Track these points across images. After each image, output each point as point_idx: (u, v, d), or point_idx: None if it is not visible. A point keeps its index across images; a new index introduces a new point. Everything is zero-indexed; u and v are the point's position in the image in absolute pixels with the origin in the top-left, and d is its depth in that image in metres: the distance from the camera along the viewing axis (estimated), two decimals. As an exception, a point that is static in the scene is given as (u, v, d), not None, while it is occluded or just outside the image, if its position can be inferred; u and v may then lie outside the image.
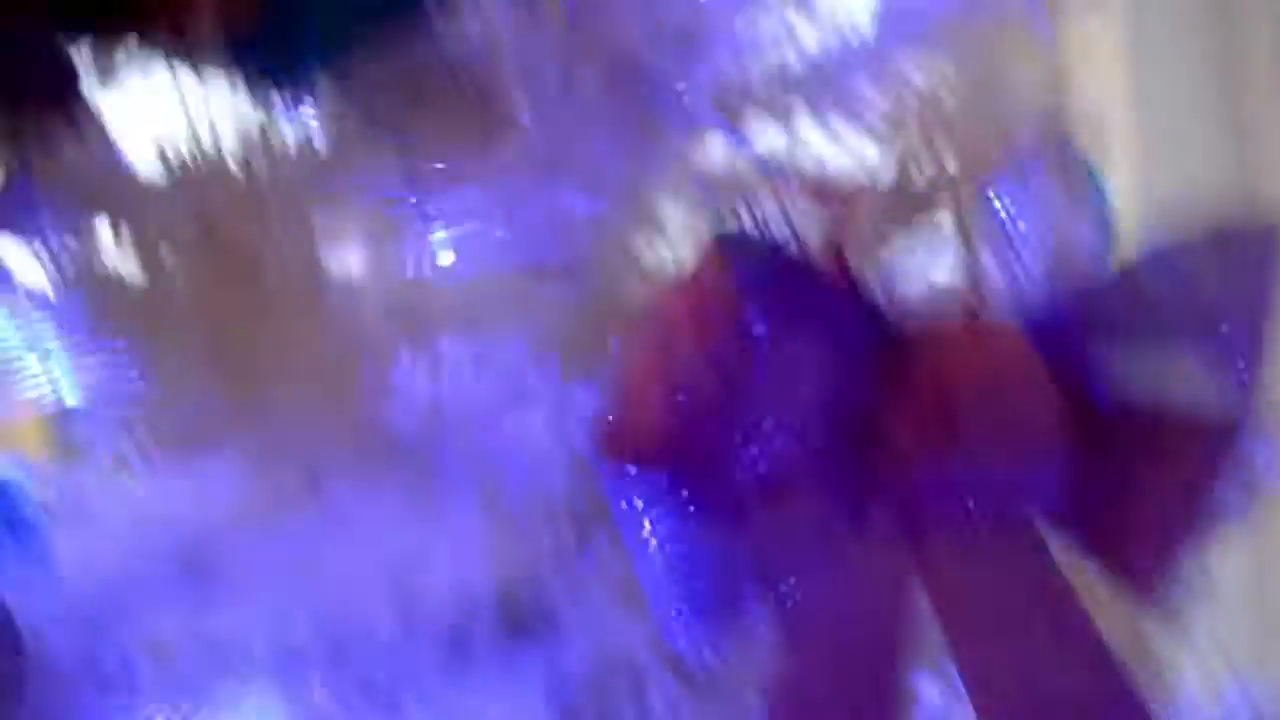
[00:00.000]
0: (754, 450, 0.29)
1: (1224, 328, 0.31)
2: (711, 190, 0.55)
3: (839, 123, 0.54)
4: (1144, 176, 1.53)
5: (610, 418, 0.31)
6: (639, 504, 0.31)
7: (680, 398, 0.29)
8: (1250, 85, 1.59)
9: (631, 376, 0.31)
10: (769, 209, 0.37)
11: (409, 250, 0.43)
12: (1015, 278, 0.37)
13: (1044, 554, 0.32)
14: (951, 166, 0.37)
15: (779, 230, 0.34)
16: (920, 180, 0.37)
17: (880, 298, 0.32)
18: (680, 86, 0.47)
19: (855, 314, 0.31)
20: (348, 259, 0.38)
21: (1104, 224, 0.48)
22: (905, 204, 0.37)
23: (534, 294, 0.47)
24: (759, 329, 0.28)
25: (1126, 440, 0.32)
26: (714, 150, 0.53)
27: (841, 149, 0.56)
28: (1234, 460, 0.32)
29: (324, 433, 0.34)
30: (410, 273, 0.43)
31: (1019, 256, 0.38)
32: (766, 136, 0.55)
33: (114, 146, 0.42)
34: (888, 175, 0.38)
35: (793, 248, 0.33)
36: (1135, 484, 0.32)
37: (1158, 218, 0.36)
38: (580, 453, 0.38)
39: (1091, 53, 1.66)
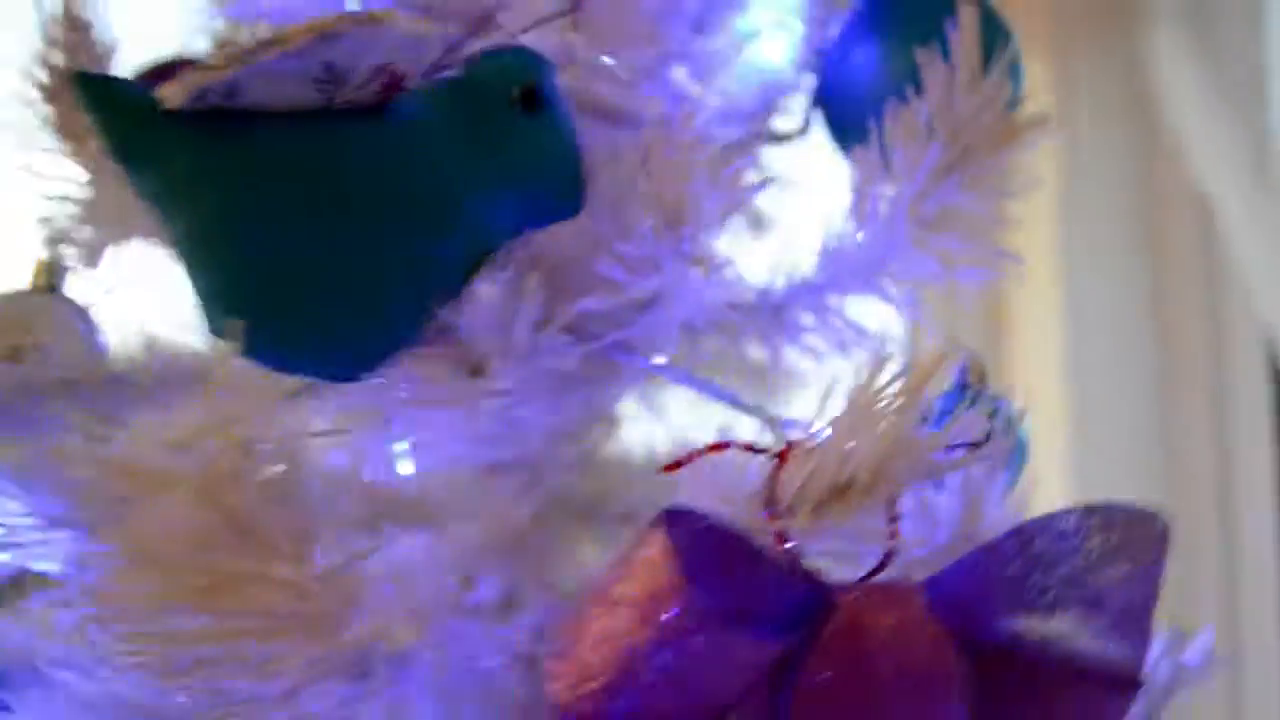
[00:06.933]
0: (685, 700, 0.32)
1: (1110, 594, 0.35)
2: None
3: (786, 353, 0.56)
4: (1074, 448, 1.61)
5: (561, 682, 0.33)
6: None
7: (626, 668, 0.32)
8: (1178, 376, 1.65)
9: (581, 647, 0.33)
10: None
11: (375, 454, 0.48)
12: (932, 535, 0.42)
13: None
14: (882, 448, 0.36)
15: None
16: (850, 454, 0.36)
17: (807, 564, 0.36)
18: (637, 340, 0.50)
19: (786, 582, 0.34)
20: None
21: (1017, 469, 0.51)
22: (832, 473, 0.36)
23: (487, 490, 0.51)
24: (701, 601, 0.31)
25: (1019, 692, 0.36)
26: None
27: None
28: (1120, 709, 0.36)
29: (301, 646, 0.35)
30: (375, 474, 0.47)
31: (935, 527, 0.42)
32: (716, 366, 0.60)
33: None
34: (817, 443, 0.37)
35: (729, 515, 0.36)
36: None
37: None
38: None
39: (1024, 301, 1.69)
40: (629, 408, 0.66)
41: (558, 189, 0.46)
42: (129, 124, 0.40)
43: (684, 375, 0.56)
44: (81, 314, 0.58)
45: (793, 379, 0.63)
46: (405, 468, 0.49)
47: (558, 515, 0.58)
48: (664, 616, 0.31)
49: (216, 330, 0.40)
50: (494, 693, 0.44)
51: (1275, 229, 1.51)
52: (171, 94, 0.39)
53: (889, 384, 0.36)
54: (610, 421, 0.65)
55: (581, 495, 0.61)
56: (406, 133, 0.42)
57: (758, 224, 0.71)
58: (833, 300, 0.60)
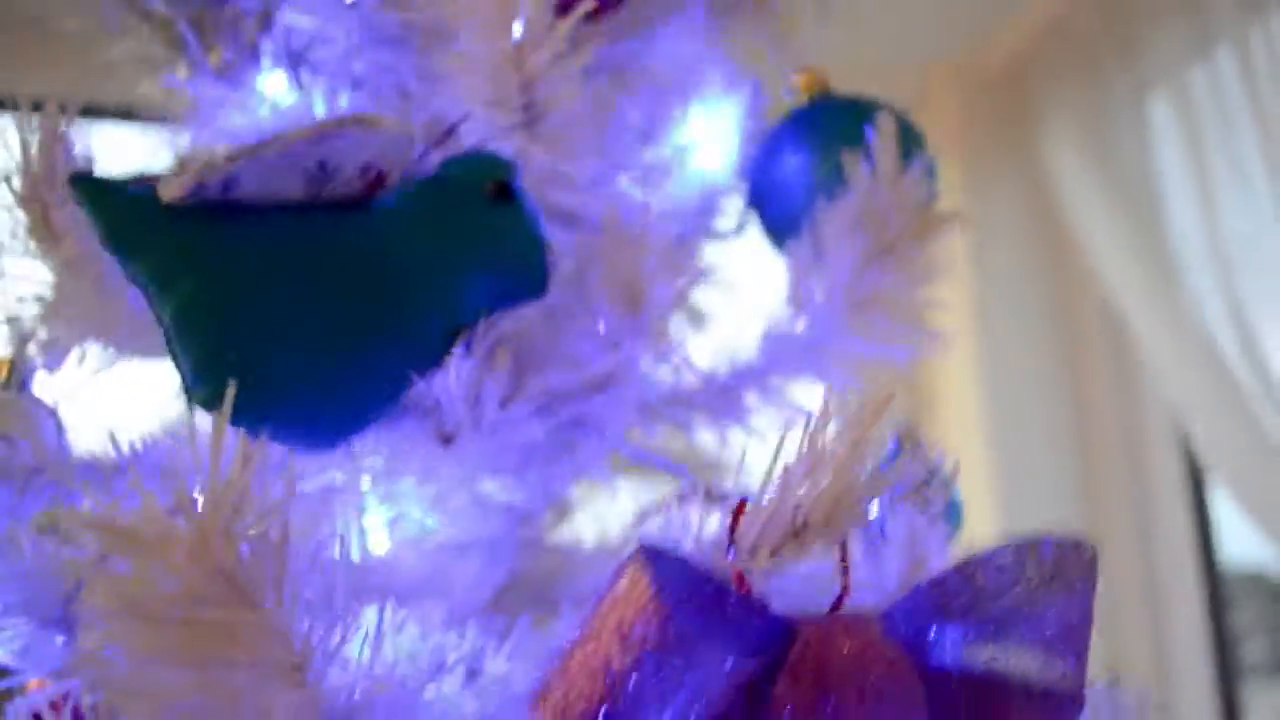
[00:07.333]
0: None
1: (1049, 618, 0.38)
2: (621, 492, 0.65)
3: (733, 432, 0.60)
4: (997, 503, 1.66)
5: (549, 702, 0.35)
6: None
7: (610, 695, 0.33)
8: (1092, 431, 1.72)
9: (564, 680, 0.35)
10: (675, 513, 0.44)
11: (349, 531, 0.50)
12: (881, 578, 0.45)
13: None
14: (831, 494, 0.39)
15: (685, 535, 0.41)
16: (802, 500, 0.39)
17: (767, 598, 0.38)
18: (596, 417, 0.54)
19: (752, 613, 0.37)
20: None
21: (954, 527, 0.55)
22: (787, 518, 0.39)
23: (452, 569, 0.54)
24: (676, 625, 0.33)
25: (973, 709, 0.38)
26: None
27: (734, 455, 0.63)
28: None
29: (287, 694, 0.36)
30: (349, 551, 0.49)
31: (883, 574, 0.46)
32: (671, 444, 0.63)
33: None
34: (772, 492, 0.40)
35: (696, 553, 0.40)
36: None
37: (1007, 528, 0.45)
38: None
39: (948, 387, 1.75)
40: (582, 493, 0.68)
41: (525, 273, 0.49)
42: (123, 215, 0.43)
43: (638, 451, 0.59)
44: (47, 409, 0.59)
45: (737, 459, 0.66)
46: (378, 542, 0.50)
47: (513, 597, 0.60)
48: (644, 642, 0.33)
49: (203, 405, 0.42)
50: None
51: (1173, 313, 1.61)
52: (171, 186, 0.42)
53: (836, 432, 0.40)
54: (564, 507, 0.67)
55: (536, 578, 0.63)
56: (389, 222, 0.46)
57: (698, 320, 0.76)
58: (775, 381, 0.64)
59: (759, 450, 0.65)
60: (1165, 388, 1.65)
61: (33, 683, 0.56)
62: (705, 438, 0.65)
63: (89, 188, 0.44)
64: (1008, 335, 1.80)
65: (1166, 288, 1.62)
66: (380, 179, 0.46)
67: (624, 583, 0.34)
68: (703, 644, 0.33)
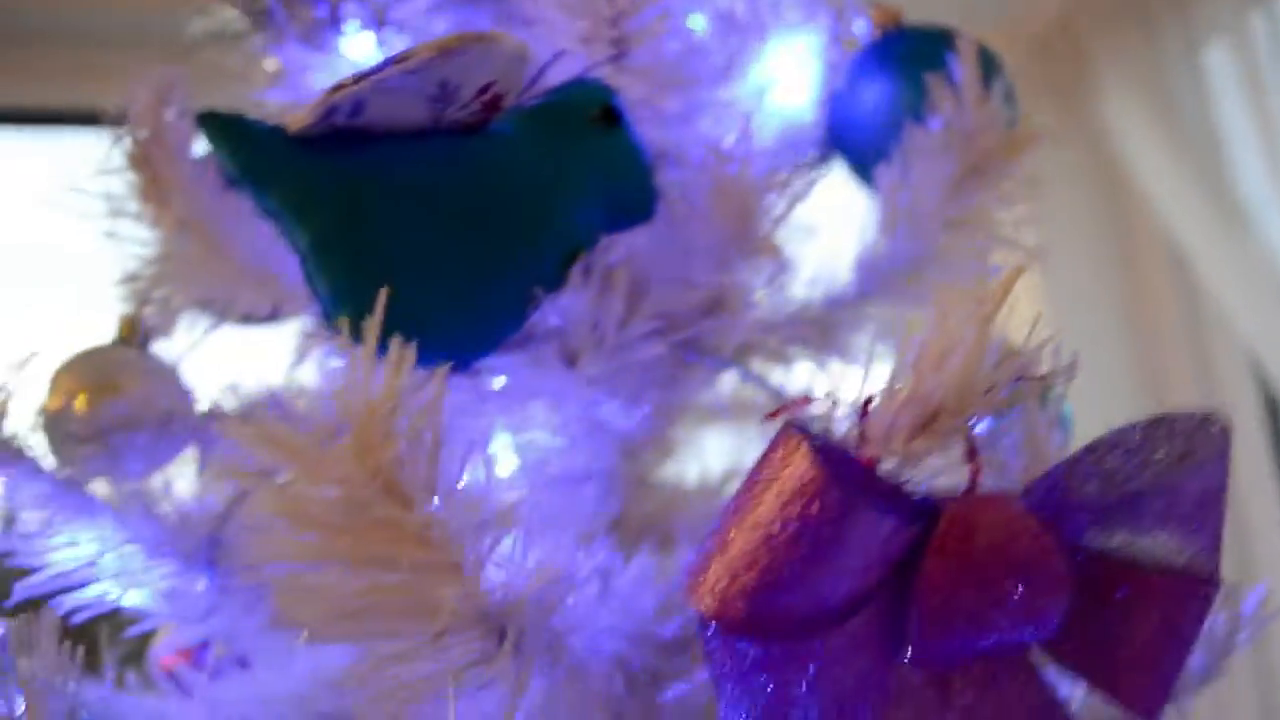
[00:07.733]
0: (823, 595, 0.34)
1: (1181, 497, 0.38)
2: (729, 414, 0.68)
3: (833, 362, 0.60)
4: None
5: (707, 589, 0.35)
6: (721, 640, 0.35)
7: (773, 562, 0.34)
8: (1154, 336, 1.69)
9: (726, 553, 0.35)
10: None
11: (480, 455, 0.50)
12: (999, 479, 0.44)
13: (1037, 677, 0.40)
14: (963, 376, 0.39)
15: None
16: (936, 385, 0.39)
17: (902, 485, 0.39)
18: (706, 340, 0.56)
19: (897, 489, 0.37)
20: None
21: (1065, 430, 0.55)
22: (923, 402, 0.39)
23: (578, 495, 0.56)
24: (836, 494, 0.33)
25: (1108, 588, 0.38)
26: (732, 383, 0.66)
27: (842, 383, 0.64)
28: (1201, 607, 0.38)
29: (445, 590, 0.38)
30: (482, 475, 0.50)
31: (1004, 474, 0.45)
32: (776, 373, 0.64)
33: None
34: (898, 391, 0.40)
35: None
36: (1119, 625, 0.38)
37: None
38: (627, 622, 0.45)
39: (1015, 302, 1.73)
40: (685, 431, 0.69)
41: (634, 195, 0.50)
42: (254, 148, 0.45)
43: (745, 373, 0.60)
44: (170, 366, 0.61)
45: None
46: (502, 467, 0.51)
47: (626, 529, 0.61)
48: (806, 512, 0.34)
49: (341, 330, 0.43)
50: (602, 675, 0.46)
51: (1244, 258, 1.58)
52: (301, 114, 0.44)
53: (964, 316, 0.40)
54: (670, 444, 0.68)
55: (646, 513, 0.64)
56: (503, 148, 0.47)
57: (781, 265, 0.76)
58: (871, 309, 0.64)
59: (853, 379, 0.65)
60: (1240, 337, 1.63)
61: (162, 631, 0.58)
62: (802, 370, 0.66)
63: (218, 123, 0.45)
64: (1074, 296, 1.78)
65: (1235, 234, 1.59)
66: (496, 100, 0.47)
67: (779, 455, 0.35)
68: (862, 512, 0.34)
